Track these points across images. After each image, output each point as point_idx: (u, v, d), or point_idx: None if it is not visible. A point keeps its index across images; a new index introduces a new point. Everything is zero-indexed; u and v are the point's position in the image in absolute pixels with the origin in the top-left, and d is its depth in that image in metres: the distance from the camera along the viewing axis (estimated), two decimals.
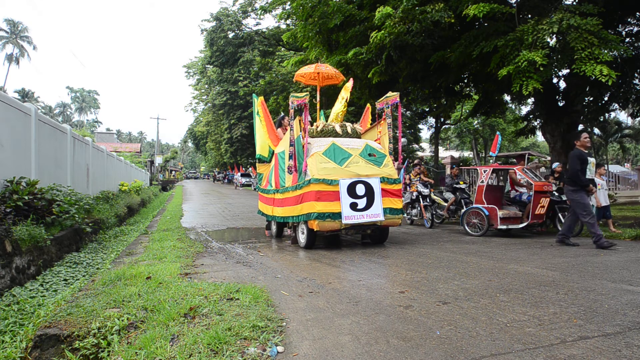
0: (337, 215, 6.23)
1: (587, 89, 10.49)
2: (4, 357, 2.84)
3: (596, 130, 31.38)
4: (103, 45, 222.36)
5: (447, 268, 4.85)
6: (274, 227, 8.45)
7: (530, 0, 9.71)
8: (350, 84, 8.19)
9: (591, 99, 11.15)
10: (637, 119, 27.16)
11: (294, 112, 6.74)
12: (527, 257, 5.55)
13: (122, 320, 2.87)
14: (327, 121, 7.95)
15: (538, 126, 13.03)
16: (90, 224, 7.63)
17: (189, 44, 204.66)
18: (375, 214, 6.41)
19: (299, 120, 6.88)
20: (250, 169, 42.49)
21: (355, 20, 11.53)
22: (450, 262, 5.27)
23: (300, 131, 6.82)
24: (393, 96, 7.23)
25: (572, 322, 2.88)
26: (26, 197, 5.72)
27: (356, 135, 7.42)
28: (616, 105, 12.16)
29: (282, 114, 9.53)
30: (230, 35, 35.53)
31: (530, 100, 14.51)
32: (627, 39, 10.62)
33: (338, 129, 7.24)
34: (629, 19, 10.73)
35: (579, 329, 2.75)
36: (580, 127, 12.11)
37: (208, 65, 41.14)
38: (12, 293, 4.21)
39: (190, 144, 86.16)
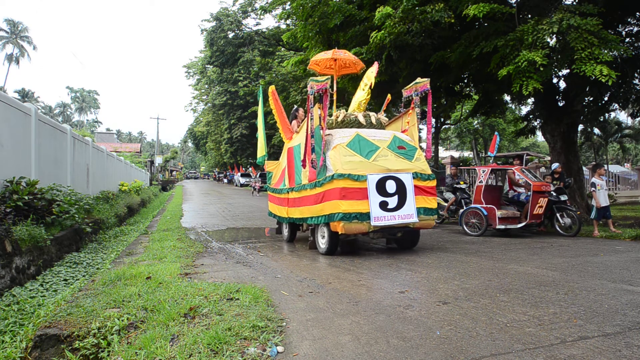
0: (365, 216, 5.50)
1: (587, 89, 10.47)
2: (4, 357, 2.84)
3: (596, 130, 31.35)
4: (103, 45, 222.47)
5: (447, 268, 4.85)
6: (285, 231, 7.73)
7: (530, 0, 9.71)
8: (374, 68, 7.33)
9: (591, 99, 11.13)
10: (637, 119, 27.16)
11: (313, 99, 5.93)
12: (527, 257, 5.55)
13: (122, 320, 2.87)
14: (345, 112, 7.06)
15: (538, 126, 13.02)
16: (90, 224, 7.63)
17: (189, 44, 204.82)
18: (407, 214, 5.68)
19: (319, 108, 6.06)
20: (250, 169, 42.55)
21: (355, 20, 11.52)
22: (450, 262, 5.27)
23: (320, 121, 6.03)
24: (423, 82, 6.46)
25: (572, 322, 2.88)
26: (26, 197, 5.71)
27: (380, 126, 6.69)
28: (616, 105, 12.16)
29: (296, 106, 8.67)
30: (230, 35, 35.54)
31: (530, 100, 14.50)
32: (627, 39, 10.61)
33: (361, 119, 6.47)
34: (629, 19, 10.72)
35: (579, 329, 2.74)
36: (581, 127, 12.11)
37: (208, 65, 41.15)
38: (12, 293, 4.21)
39: (190, 144, 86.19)
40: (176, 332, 2.66)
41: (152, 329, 2.73)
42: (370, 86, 7.06)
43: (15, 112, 6.44)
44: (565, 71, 10.96)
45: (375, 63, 7.51)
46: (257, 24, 44.76)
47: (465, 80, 14.21)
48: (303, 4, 11.82)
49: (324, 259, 5.76)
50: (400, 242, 6.49)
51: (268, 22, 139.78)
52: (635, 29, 10.83)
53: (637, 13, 10.52)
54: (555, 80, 11.74)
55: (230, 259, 5.75)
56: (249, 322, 2.81)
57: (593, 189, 8.18)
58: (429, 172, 6.10)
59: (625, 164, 46.72)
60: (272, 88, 7.76)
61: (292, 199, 6.93)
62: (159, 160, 47.48)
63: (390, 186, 5.67)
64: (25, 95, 60.57)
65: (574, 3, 10.06)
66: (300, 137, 6.75)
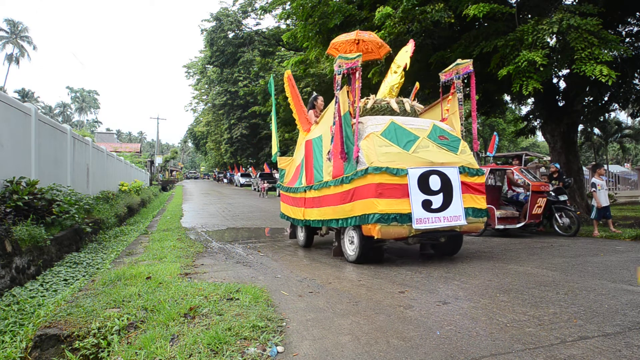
0: (406, 218, 4.73)
1: (587, 89, 10.48)
2: (4, 357, 2.84)
3: (596, 130, 31.35)
4: (103, 45, 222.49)
5: (446, 268, 4.85)
6: (301, 235, 6.95)
7: (530, 0, 9.71)
8: (410, 47, 6.49)
9: (591, 99, 11.14)
10: (637, 119, 27.16)
11: (341, 79, 5.18)
12: (527, 257, 5.55)
13: (122, 320, 2.87)
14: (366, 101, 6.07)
15: (538, 126, 13.02)
16: (90, 224, 7.63)
17: (189, 44, 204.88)
18: (454, 215, 4.93)
19: (347, 92, 5.32)
20: (250, 169, 42.56)
21: (355, 20, 11.52)
22: (449, 262, 5.27)
23: (349, 106, 5.28)
24: (465, 64, 5.77)
25: (572, 322, 2.88)
26: (26, 197, 5.71)
27: (415, 114, 5.95)
28: (616, 105, 12.16)
29: (315, 93, 7.78)
30: (230, 35, 35.55)
31: (530, 100, 14.49)
32: (627, 39, 10.61)
33: (394, 105, 5.74)
34: (629, 19, 10.72)
35: (579, 329, 2.74)
36: (581, 127, 12.12)
37: (208, 65, 41.17)
38: (12, 293, 4.21)
39: (190, 144, 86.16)
40: (176, 332, 2.66)
41: (152, 329, 2.73)
42: (405, 68, 6.28)
43: (15, 112, 6.44)
44: (565, 71, 10.96)
45: (411, 41, 6.70)
46: (257, 24, 44.79)
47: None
48: (303, 4, 11.82)
49: (324, 258, 5.75)
50: (440, 248, 5.70)
51: (268, 22, 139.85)
52: (635, 29, 10.83)
53: (637, 13, 10.52)
54: (555, 80, 11.74)
55: (230, 259, 5.75)
56: (249, 322, 2.81)
57: (593, 189, 8.18)
58: (477, 166, 5.38)
59: (625, 164, 46.72)
60: (287, 73, 7.03)
61: (310, 198, 6.22)
62: (159, 160, 47.48)
63: (434, 182, 4.90)
64: (25, 95, 60.57)
65: (574, 3, 10.06)
66: (321, 128, 6.09)
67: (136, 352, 2.40)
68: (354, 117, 5.19)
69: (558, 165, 9.42)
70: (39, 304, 4.00)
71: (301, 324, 2.94)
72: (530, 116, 13.62)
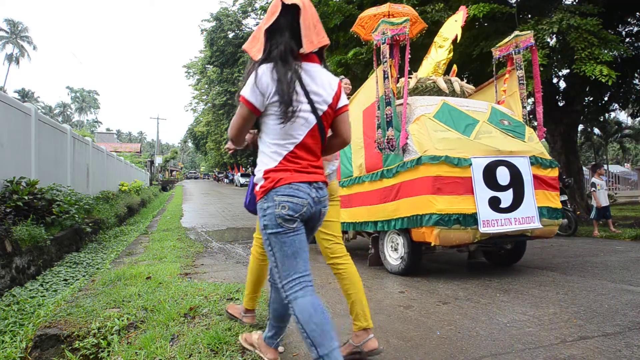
0: (470, 219, 3.88)
1: (587, 89, 10.49)
2: (4, 357, 2.84)
3: (596, 130, 31.35)
4: (103, 45, 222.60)
5: (446, 268, 4.85)
6: None
7: (531, 0, 9.71)
8: (460, 16, 5.61)
9: (591, 99, 11.15)
10: (637, 119, 27.16)
11: (387, 50, 4.30)
12: (527, 257, 5.55)
13: (122, 320, 2.87)
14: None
15: None
16: (90, 224, 7.63)
17: (189, 44, 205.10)
18: (527, 217, 4.07)
19: (391, 66, 4.43)
20: (250, 168, 42.57)
21: (355, 20, 11.54)
22: (449, 262, 5.26)
23: (391, 84, 4.35)
24: (526, 35, 4.95)
25: (572, 322, 2.88)
26: (26, 197, 5.71)
27: (464, 96, 5.19)
28: (616, 105, 12.17)
29: (342, 75, 7.18)
30: (230, 35, 35.56)
31: (530, 100, 14.51)
32: (627, 39, 10.62)
33: (442, 85, 4.95)
34: (629, 19, 10.73)
35: (579, 329, 2.74)
36: (581, 127, 12.11)
37: (208, 65, 41.15)
38: (12, 293, 4.20)
39: (190, 144, 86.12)
40: (176, 332, 2.66)
41: (152, 329, 2.73)
42: (455, 40, 5.45)
43: (15, 112, 6.44)
44: (565, 71, 10.97)
45: (462, 8, 5.78)
46: (257, 24, 44.77)
47: (466, 81, 14.22)
48: None
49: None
50: (495, 256, 4.94)
51: None
52: (635, 29, 10.84)
53: (637, 13, 10.52)
54: (555, 80, 11.74)
55: (230, 258, 5.75)
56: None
57: (593, 189, 8.18)
58: (549, 156, 4.52)
59: (625, 164, 46.72)
60: None
61: None
62: (159, 160, 47.50)
63: (503, 175, 4.02)
64: (25, 95, 60.57)
65: (574, 3, 10.06)
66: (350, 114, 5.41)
67: (136, 352, 2.40)
68: (398, 98, 4.36)
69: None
70: (39, 304, 3.99)
71: None
72: (530, 116, 13.62)
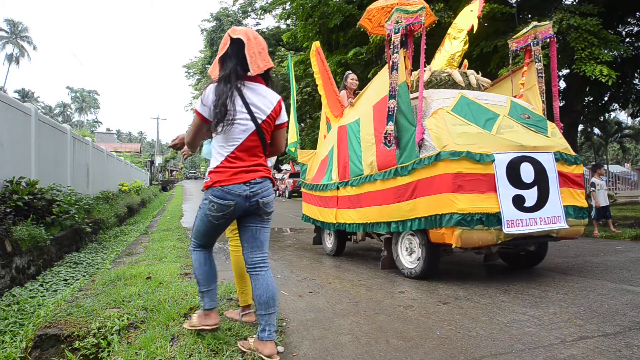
0: (494, 219, 3.66)
1: (587, 89, 10.49)
2: (4, 357, 2.84)
3: (596, 130, 31.37)
4: (102, 45, 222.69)
5: (446, 268, 4.85)
6: (329, 241, 5.93)
7: (531, 0, 9.72)
8: (476, 6, 5.39)
9: (591, 98, 11.15)
10: (637, 119, 27.17)
11: (400, 40, 4.12)
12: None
13: (122, 320, 2.87)
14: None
15: None
16: (90, 224, 7.63)
17: (189, 44, 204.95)
18: (552, 216, 3.86)
19: (405, 57, 4.26)
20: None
21: (355, 20, 11.52)
22: (449, 261, 5.26)
23: (406, 76, 4.23)
24: (545, 26, 4.74)
25: (572, 322, 2.88)
26: (26, 197, 5.71)
27: (480, 90, 4.94)
28: (616, 105, 12.17)
29: (349, 71, 6.50)
30: None
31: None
32: (627, 39, 10.63)
33: (457, 78, 4.72)
34: (629, 19, 10.74)
35: (579, 329, 2.74)
36: (581, 127, 12.11)
37: (208, 65, 41.12)
38: (12, 293, 4.20)
39: None
40: (176, 332, 2.66)
41: (152, 329, 2.73)
42: (471, 30, 5.24)
43: (15, 112, 6.44)
44: (565, 71, 10.97)
45: None
46: (257, 24, 44.65)
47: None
48: (303, 4, 11.84)
49: (324, 258, 5.74)
50: (514, 258, 4.72)
51: (268, 22, 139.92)
52: (635, 29, 10.85)
53: (637, 13, 10.53)
54: None
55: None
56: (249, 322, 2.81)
57: (593, 189, 8.18)
58: (573, 152, 4.27)
59: (625, 164, 46.73)
60: (316, 45, 5.98)
61: (345, 197, 5.18)
62: (159, 160, 47.48)
63: (527, 172, 3.80)
64: (25, 95, 60.57)
65: (574, 3, 10.06)
66: (358, 110, 5.09)
67: (136, 352, 2.40)
68: (413, 92, 4.21)
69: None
70: (39, 304, 3.99)
71: (301, 324, 2.94)
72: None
